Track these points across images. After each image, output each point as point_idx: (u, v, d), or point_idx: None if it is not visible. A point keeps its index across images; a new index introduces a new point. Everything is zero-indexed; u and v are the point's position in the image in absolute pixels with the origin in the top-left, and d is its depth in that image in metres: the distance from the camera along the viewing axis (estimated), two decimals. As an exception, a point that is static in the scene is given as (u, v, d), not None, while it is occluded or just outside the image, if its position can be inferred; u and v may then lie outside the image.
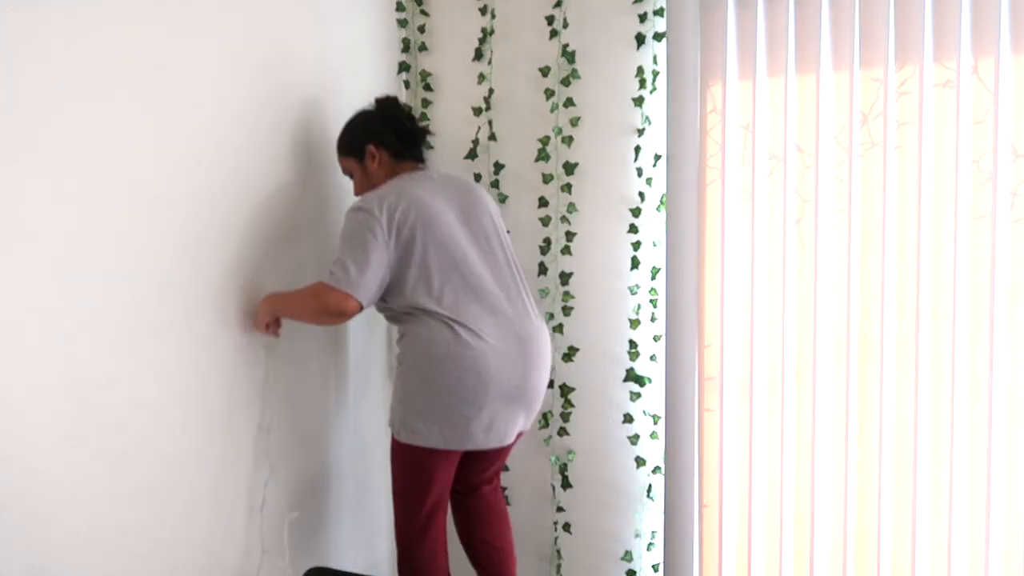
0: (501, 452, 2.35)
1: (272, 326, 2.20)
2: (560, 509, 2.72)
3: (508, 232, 2.41)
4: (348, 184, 2.41)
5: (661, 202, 2.58)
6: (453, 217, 2.23)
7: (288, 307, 2.19)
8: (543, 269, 2.68)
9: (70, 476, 1.73)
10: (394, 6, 2.77)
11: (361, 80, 2.60)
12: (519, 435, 2.30)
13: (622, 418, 2.63)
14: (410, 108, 2.43)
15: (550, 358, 2.30)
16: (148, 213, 1.89)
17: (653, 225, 2.60)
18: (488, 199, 2.36)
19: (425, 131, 2.39)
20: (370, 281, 2.11)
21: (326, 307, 2.11)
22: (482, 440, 2.18)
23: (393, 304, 2.19)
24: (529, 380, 2.21)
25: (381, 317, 2.48)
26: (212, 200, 2.06)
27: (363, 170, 2.33)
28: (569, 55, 2.62)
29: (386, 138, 2.31)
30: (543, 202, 2.67)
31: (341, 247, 2.15)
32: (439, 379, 2.13)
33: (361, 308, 2.12)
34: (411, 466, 2.24)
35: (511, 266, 2.29)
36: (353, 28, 2.60)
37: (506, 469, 2.76)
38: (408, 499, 2.27)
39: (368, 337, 2.63)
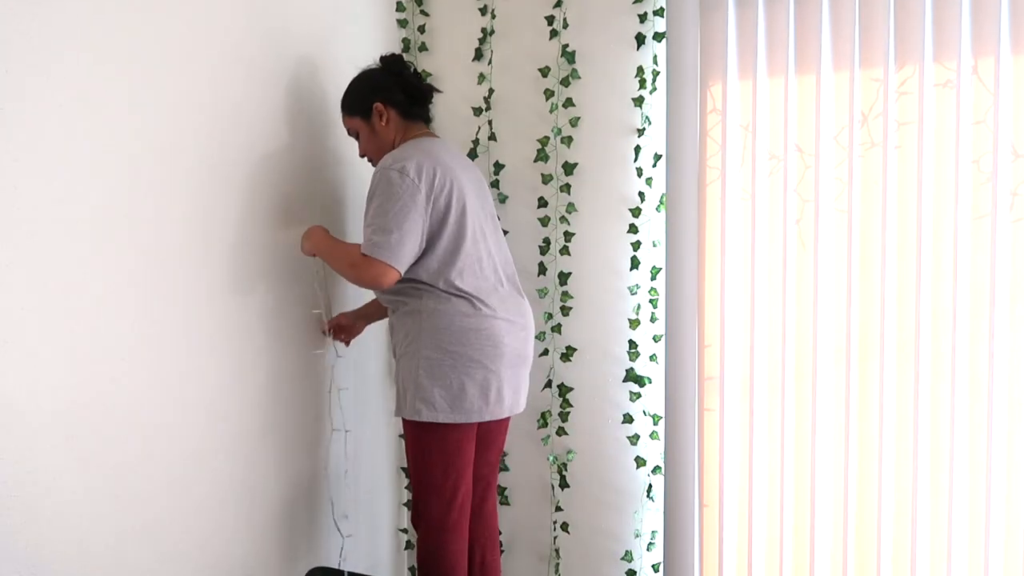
0: (501, 434, 2.37)
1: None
2: (559, 509, 2.72)
3: (506, 233, 2.42)
4: (354, 153, 2.41)
5: (661, 202, 2.58)
6: (472, 192, 2.23)
7: (328, 259, 2.23)
8: (542, 269, 2.68)
9: (71, 476, 1.72)
10: (394, 6, 2.77)
11: (361, 80, 2.60)
12: (508, 419, 2.36)
13: (622, 418, 2.63)
14: (412, 65, 2.40)
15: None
16: (144, 203, 1.88)
17: (653, 225, 2.60)
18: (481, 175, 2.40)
19: (432, 89, 2.34)
20: (409, 250, 2.09)
21: (361, 279, 2.13)
22: (497, 410, 2.20)
23: (416, 274, 2.15)
24: (527, 349, 2.29)
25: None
26: (213, 197, 2.06)
27: (371, 129, 2.28)
28: (569, 55, 2.62)
29: (394, 95, 2.26)
30: (542, 202, 2.67)
31: (379, 211, 2.10)
32: (462, 350, 2.14)
33: (395, 276, 2.10)
34: (438, 447, 2.19)
35: (505, 244, 2.35)
36: (353, 28, 2.60)
37: (506, 469, 2.77)
38: (437, 489, 2.21)
39: (365, 335, 2.62)
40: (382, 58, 2.32)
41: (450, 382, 2.15)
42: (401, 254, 2.08)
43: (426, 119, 2.34)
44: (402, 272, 2.10)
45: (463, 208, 2.17)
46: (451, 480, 2.21)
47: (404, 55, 2.78)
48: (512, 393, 2.24)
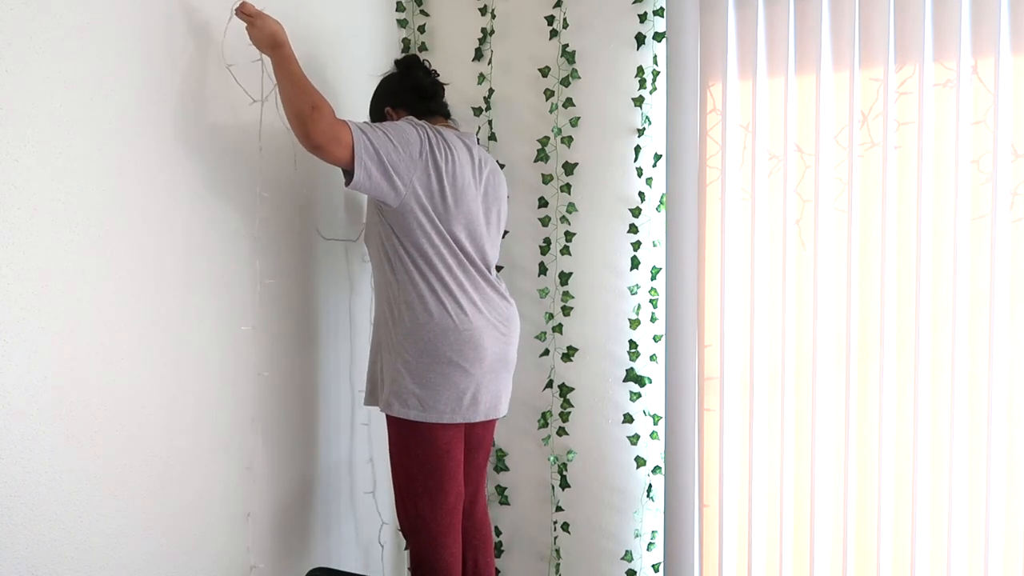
0: (487, 436, 2.35)
1: (250, 16, 1.99)
2: (559, 509, 2.72)
3: (507, 233, 2.41)
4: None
5: (661, 202, 2.58)
6: (476, 187, 2.21)
7: (287, 83, 1.99)
8: (543, 269, 2.68)
9: (71, 476, 1.73)
10: (394, 6, 2.78)
11: (360, 80, 2.60)
12: (494, 421, 2.33)
13: (622, 418, 2.63)
14: (428, 63, 2.36)
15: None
16: (144, 203, 1.89)
17: (653, 225, 2.60)
18: (505, 187, 2.37)
19: (437, 84, 2.32)
20: (378, 163, 2.02)
21: (308, 129, 1.95)
22: (471, 414, 2.17)
23: (404, 263, 2.13)
24: (509, 354, 2.27)
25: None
26: (214, 198, 2.07)
27: None
28: (569, 55, 2.62)
29: (404, 97, 2.28)
30: (543, 202, 2.67)
31: (381, 125, 2.09)
32: (442, 350, 2.11)
33: (346, 159, 1.99)
34: (423, 447, 2.16)
35: (498, 248, 2.34)
36: (353, 28, 2.60)
37: (506, 469, 2.77)
38: (428, 491, 2.17)
39: (365, 333, 2.62)
40: (396, 62, 2.35)
41: (425, 381, 2.12)
42: (370, 154, 1.99)
43: (443, 113, 2.34)
44: (351, 162, 1.98)
45: (457, 197, 2.15)
46: (441, 482, 2.18)
47: (404, 55, 2.79)
48: (490, 398, 2.21)
